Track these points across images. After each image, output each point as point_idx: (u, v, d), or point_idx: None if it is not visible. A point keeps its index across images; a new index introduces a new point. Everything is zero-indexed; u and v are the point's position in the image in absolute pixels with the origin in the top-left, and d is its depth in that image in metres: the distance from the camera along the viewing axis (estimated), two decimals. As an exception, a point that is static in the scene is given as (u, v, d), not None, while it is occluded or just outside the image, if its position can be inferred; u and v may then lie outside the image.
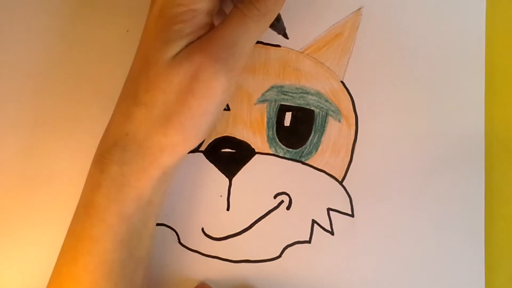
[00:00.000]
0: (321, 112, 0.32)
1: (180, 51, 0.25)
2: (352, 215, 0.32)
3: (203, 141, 0.32)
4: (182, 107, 0.25)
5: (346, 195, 0.32)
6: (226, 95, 0.26)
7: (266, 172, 0.32)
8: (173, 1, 0.25)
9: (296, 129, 0.32)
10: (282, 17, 0.30)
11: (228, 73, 0.25)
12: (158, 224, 0.31)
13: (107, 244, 0.26)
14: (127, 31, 0.32)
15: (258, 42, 0.27)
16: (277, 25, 0.30)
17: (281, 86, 0.32)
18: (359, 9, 0.32)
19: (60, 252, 0.28)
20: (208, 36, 0.26)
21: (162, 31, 0.25)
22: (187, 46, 0.26)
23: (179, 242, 0.32)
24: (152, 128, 0.26)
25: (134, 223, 0.27)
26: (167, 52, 0.25)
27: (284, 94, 0.32)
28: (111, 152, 0.26)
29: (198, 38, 0.26)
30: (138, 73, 0.26)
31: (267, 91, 0.32)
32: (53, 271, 0.28)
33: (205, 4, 0.25)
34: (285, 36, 0.31)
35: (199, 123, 0.26)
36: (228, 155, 0.32)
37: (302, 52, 0.32)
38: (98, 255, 0.26)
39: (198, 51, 0.25)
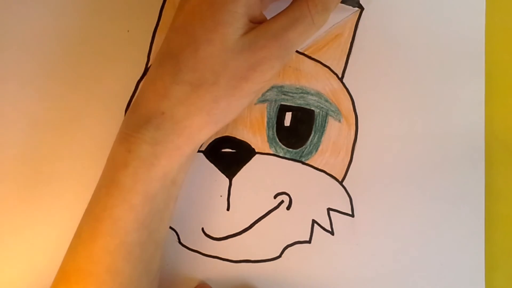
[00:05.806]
0: (321, 112, 0.32)
1: (239, 37, 0.25)
2: (352, 215, 0.32)
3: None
4: (233, 90, 0.25)
5: (346, 195, 0.32)
6: (273, 79, 0.29)
7: (266, 172, 0.32)
8: None
9: (296, 129, 0.32)
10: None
11: (282, 66, 0.26)
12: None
13: (129, 225, 0.25)
14: (128, 31, 0.32)
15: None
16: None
17: (281, 86, 0.32)
18: (359, 10, 0.33)
19: (77, 232, 0.27)
20: (274, 32, 0.25)
21: (213, 9, 0.24)
22: (247, 32, 0.25)
23: (179, 242, 0.32)
24: (194, 108, 0.25)
25: (157, 203, 0.26)
26: (224, 34, 0.25)
27: (284, 94, 0.32)
28: (141, 131, 0.25)
29: (253, 19, 0.25)
30: (180, 51, 0.25)
31: (267, 91, 0.32)
32: (67, 251, 0.27)
33: None
34: (360, 6, 0.32)
35: (245, 102, 0.27)
36: (228, 155, 0.32)
37: (302, 53, 0.32)
38: (119, 236, 0.25)
39: (262, 47, 0.25)
